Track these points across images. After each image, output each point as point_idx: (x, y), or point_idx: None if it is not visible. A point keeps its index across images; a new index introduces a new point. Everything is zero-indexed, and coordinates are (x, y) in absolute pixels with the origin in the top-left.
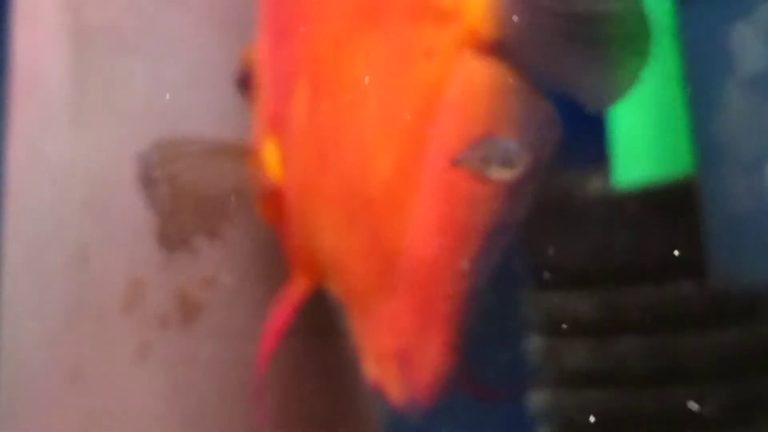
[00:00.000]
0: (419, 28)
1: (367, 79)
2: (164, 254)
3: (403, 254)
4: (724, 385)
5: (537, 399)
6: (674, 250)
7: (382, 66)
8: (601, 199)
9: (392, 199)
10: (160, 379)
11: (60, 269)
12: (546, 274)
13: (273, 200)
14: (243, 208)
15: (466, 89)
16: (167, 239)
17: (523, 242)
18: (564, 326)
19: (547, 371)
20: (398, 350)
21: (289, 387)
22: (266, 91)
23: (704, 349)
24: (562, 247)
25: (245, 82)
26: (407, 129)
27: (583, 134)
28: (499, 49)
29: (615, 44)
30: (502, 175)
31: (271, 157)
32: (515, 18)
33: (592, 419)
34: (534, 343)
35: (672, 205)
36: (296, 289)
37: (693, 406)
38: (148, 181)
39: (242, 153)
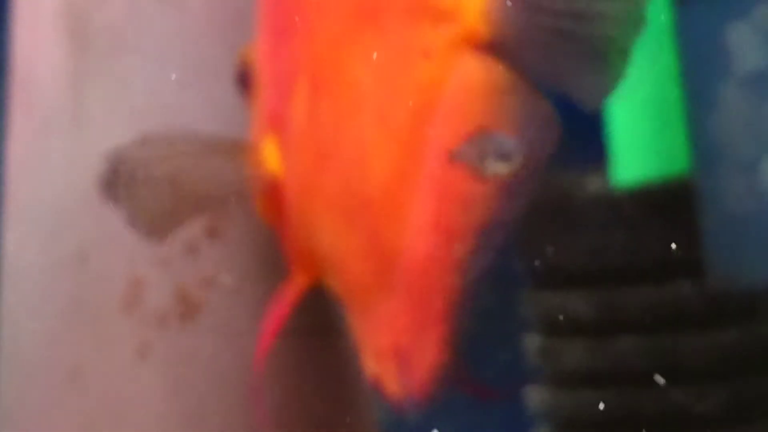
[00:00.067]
0: (417, 28)
1: (365, 78)
2: (164, 253)
3: (400, 253)
4: (723, 385)
5: (535, 398)
6: (672, 249)
7: (381, 66)
8: (600, 199)
9: (390, 199)
10: (160, 379)
11: (60, 269)
12: (544, 274)
13: (272, 198)
14: (241, 206)
15: (463, 88)
16: (155, 232)
17: (522, 241)
18: (562, 325)
19: (546, 371)
20: (396, 348)
21: (288, 387)
22: (266, 90)
23: (702, 349)
24: (561, 247)
25: (244, 81)
26: (405, 128)
27: (582, 134)
28: (496, 48)
29: (611, 42)
30: (498, 169)
31: (270, 155)
32: (512, 17)
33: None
34: (532, 343)
35: (670, 204)
36: (294, 287)
37: (659, 379)
38: (125, 178)
39: (240, 150)
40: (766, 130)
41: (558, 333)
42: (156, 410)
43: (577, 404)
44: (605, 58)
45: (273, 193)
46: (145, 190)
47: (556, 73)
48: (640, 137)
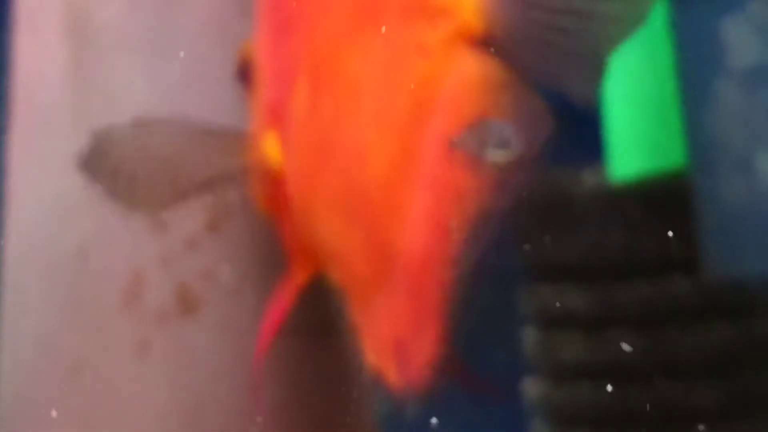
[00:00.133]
0: (415, 25)
1: (365, 75)
2: (164, 249)
3: (399, 247)
4: (719, 380)
5: (532, 392)
6: (668, 245)
7: (379, 62)
8: (597, 195)
9: (389, 193)
10: (161, 375)
11: (60, 266)
12: (542, 268)
13: (272, 192)
14: (238, 196)
15: (459, 84)
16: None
17: (520, 237)
18: (559, 320)
19: (543, 364)
20: (395, 340)
21: (287, 386)
22: (266, 85)
23: (699, 344)
24: (558, 242)
25: (245, 76)
26: (403, 123)
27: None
28: (491, 44)
29: (605, 41)
30: (498, 157)
31: (270, 149)
32: (507, 14)
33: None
34: (529, 337)
35: (667, 200)
36: (295, 281)
37: (626, 347)
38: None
39: (239, 141)
40: (761, 125)
41: (555, 327)
42: (156, 406)
43: (574, 398)
44: (599, 56)
45: (273, 187)
46: (132, 168)
47: (549, 70)
48: (636, 133)
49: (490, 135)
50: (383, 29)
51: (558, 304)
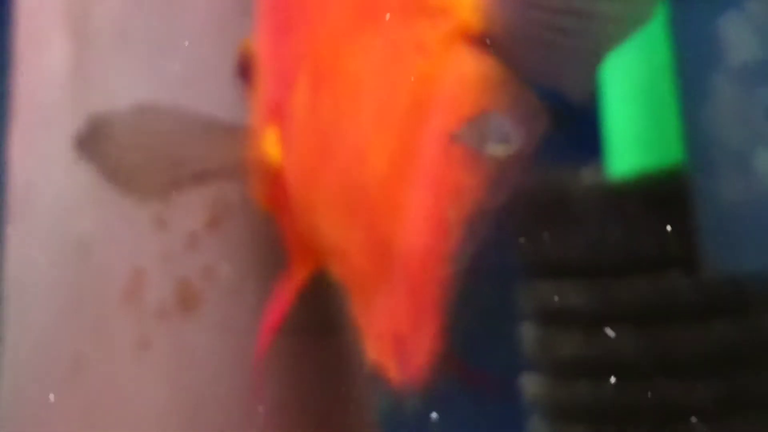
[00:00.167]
0: (413, 23)
1: (364, 72)
2: (165, 245)
3: (398, 243)
4: (717, 377)
5: (530, 389)
6: (667, 242)
7: (378, 61)
8: (595, 192)
9: (388, 190)
10: (161, 370)
11: (61, 261)
12: (540, 265)
13: (272, 187)
14: (238, 194)
15: (457, 82)
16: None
17: (518, 233)
18: (558, 316)
19: (541, 361)
20: (394, 335)
21: (287, 386)
22: (267, 82)
23: (697, 341)
24: (556, 239)
25: (245, 72)
26: (402, 120)
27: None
28: (489, 43)
29: (604, 40)
30: (497, 151)
31: (270, 145)
32: (505, 12)
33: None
34: (528, 334)
35: (665, 196)
36: (296, 276)
37: (609, 332)
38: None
39: (239, 135)
40: (758, 121)
41: (553, 324)
42: (156, 403)
43: (572, 395)
44: (597, 56)
45: (273, 184)
46: (130, 153)
47: (547, 69)
48: (634, 130)
49: (490, 129)
50: (383, 27)
51: (556, 301)
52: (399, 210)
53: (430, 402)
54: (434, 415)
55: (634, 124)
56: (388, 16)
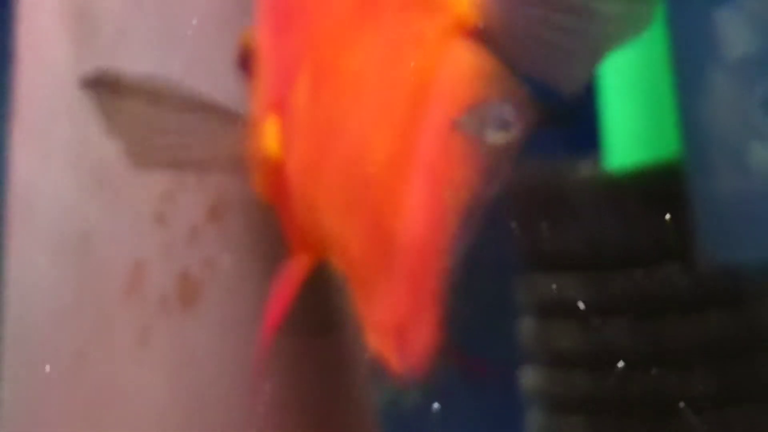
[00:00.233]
0: (410, 18)
1: (364, 66)
2: (166, 237)
3: (397, 235)
4: (713, 369)
5: (528, 381)
6: (663, 235)
7: (378, 55)
8: (592, 185)
9: (388, 182)
10: (162, 363)
11: (63, 254)
12: (538, 257)
13: (273, 179)
14: (239, 187)
15: (454, 76)
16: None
17: (516, 226)
18: (555, 308)
19: (538, 354)
20: (395, 325)
21: (287, 385)
22: (268, 75)
23: (693, 333)
24: (554, 232)
25: (245, 64)
26: (401, 113)
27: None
28: (486, 37)
29: (604, 39)
30: (498, 138)
31: (271, 137)
32: (501, 7)
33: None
34: (525, 326)
35: (661, 190)
36: (298, 268)
37: (581, 305)
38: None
39: (240, 124)
40: (754, 114)
41: (551, 316)
42: (157, 395)
43: (570, 387)
44: (595, 55)
45: (274, 176)
46: (134, 115)
47: (541, 64)
48: (631, 124)
49: (490, 116)
50: (383, 22)
51: (554, 293)
52: (399, 202)
53: (429, 394)
54: (436, 405)
55: (631, 117)
56: (386, 16)
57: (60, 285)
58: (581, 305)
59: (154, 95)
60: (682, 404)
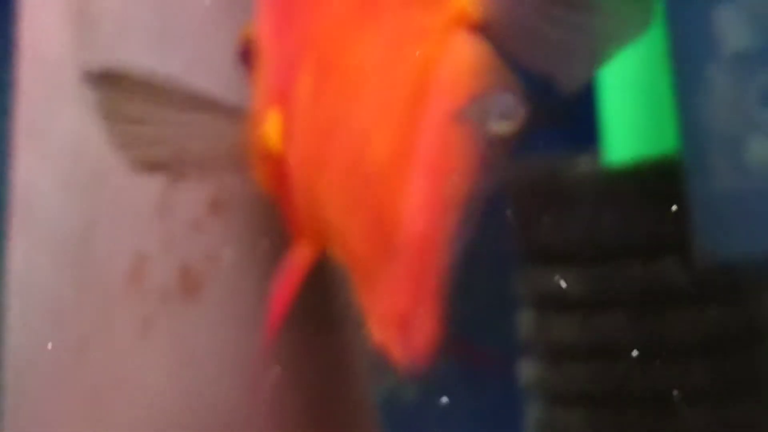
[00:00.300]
0: (412, 11)
1: (367, 59)
2: (168, 229)
3: (399, 228)
4: (710, 361)
5: (527, 373)
6: (661, 229)
7: (381, 47)
8: (590, 179)
9: (391, 174)
10: (163, 353)
11: (65, 246)
12: (537, 251)
13: (274, 171)
14: (240, 179)
15: (455, 69)
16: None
17: (516, 220)
18: (554, 301)
19: (537, 346)
20: (397, 315)
21: (286, 375)
22: (270, 68)
23: (690, 326)
24: (553, 226)
25: (246, 57)
26: (403, 105)
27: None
28: (486, 31)
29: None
30: (501, 128)
31: (273, 130)
32: (502, 3)
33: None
34: (524, 319)
35: (660, 183)
36: (301, 258)
37: (563, 284)
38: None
39: (240, 118)
40: (751, 109)
41: (549, 309)
42: (158, 386)
43: (568, 379)
44: (596, 52)
45: (275, 168)
46: (136, 114)
47: (541, 59)
48: (629, 118)
49: (493, 106)
50: (385, 15)
51: (553, 287)
52: (401, 195)
53: (429, 389)
54: (444, 400)
55: (629, 113)
56: (387, 9)
57: (62, 275)
58: (579, 299)
59: (156, 92)
60: (679, 397)
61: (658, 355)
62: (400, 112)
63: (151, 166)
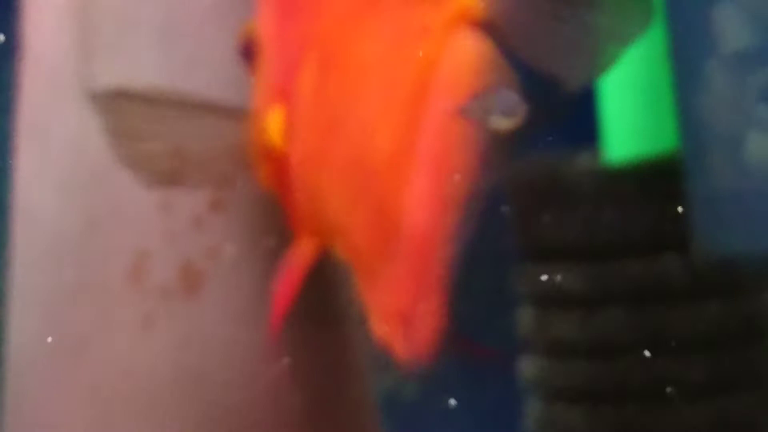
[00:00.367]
0: (415, 8)
1: (370, 55)
2: (170, 226)
3: (401, 223)
4: (709, 356)
5: (527, 370)
6: (660, 225)
7: (384, 44)
8: (591, 177)
9: (394, 169)
10: (164, 350)
11: (67, 242)
12: (537, 248)
13: (276, 167)
14: (242, 175)
15: (457, 65)
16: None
17: (516, 217)
18: (554, 298)
19: (537, 343)
20: (400, 311)
21: (288, 371)
22: (272, 64)
23: (689, 321)
24: (553, 223)
25: (248, 54)
26: (406, 104)
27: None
28: (489, 27)
29: (602, 27)
30: (502, 125)
31: (275, 126)
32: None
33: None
34: (524, 315)
35: (659, 181)
36: (303, 253)
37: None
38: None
39: (241, 117)
40: (750, 107)
41: (549, 306)
42: (159, 382)
43: (568, 375)
44: (600, 49)
45: (277, 164)
46: (142, 131)
47: (543, 57)
48: (629, 116)
49: (495, 102)
50: (388, 10)
51: (553, 284)
52: (403, 190)
53: (430, 386)
54: (453, 401)
55: (629, 111)
56: (390, 5)
57: (64, 270)
58: (578, 296)
59: (159, 105)
60: (678, 392)
61: (658, 352)
62: (401, 109)
63: (165, 180)
